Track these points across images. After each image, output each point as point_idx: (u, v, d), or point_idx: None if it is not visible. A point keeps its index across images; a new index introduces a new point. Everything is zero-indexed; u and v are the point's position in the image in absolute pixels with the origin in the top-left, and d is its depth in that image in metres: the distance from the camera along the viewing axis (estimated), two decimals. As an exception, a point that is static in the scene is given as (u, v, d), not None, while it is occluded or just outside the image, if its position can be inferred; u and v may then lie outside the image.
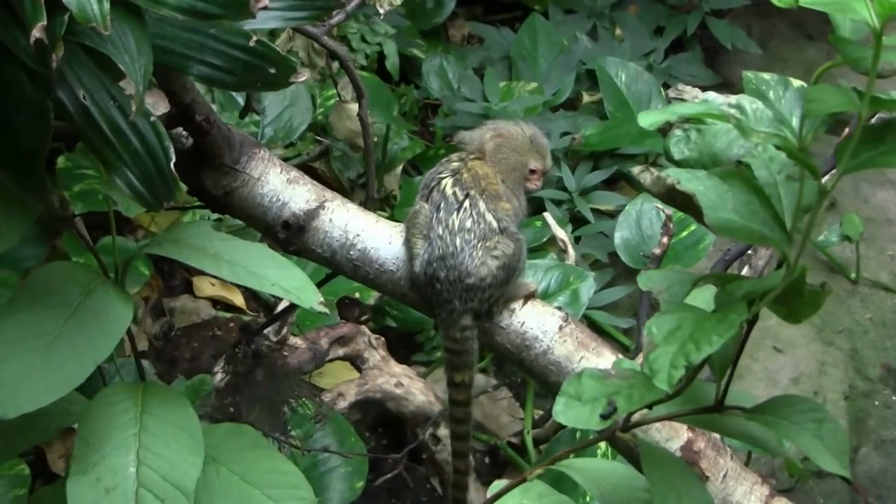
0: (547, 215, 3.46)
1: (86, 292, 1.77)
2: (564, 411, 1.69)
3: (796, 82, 1.72)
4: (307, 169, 3.85)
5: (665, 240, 3.33)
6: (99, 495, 1.71)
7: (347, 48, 4.09)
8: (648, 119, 1.49)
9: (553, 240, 3.52)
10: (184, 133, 2.12)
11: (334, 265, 2.21)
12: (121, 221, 3.42)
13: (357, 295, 3.36)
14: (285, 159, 3.73)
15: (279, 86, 1.71)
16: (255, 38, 1.69)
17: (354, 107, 2.45)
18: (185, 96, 1.99)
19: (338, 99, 3.05)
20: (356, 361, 3.07)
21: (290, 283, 1.80)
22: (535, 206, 3.97)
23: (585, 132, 4.14)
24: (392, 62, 4.21)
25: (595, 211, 4.03)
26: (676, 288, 1.73)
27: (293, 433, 2.57)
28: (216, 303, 3.52)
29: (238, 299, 3.52)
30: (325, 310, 1.80)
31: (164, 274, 3.54)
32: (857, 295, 4.52)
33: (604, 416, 1.68)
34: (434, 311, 2.15)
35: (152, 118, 1.67)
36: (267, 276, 1.80)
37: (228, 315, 3.42)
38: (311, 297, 1.80)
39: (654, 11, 5.06)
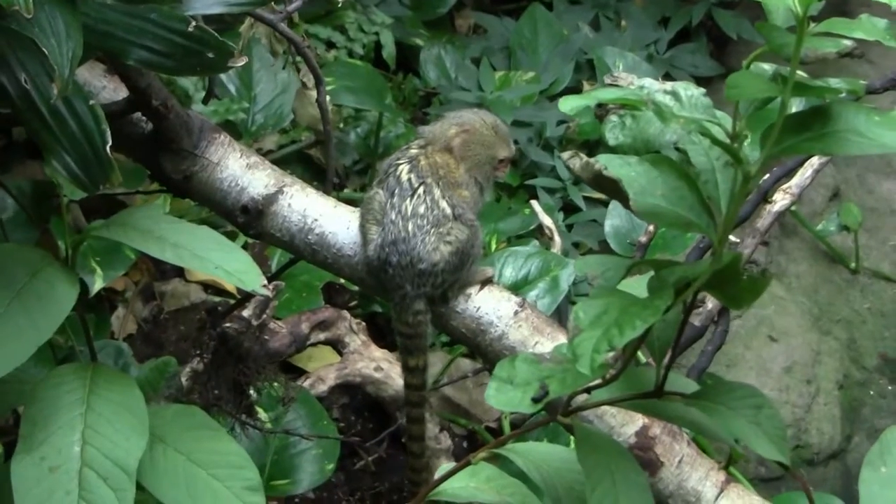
0: (534, 203, 3.44)
1: (31, 274, 1.78)
2: (496, 395, 1.68)
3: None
4: (302, 157, 3.86)
5: (651, 227, 3.29)
6: (42, 474, 1.72)
7: (344, 38, 4.08)
8: (569, 104, 1.47)
9: (541, 227, 3.49)
10: (143, 118, 2.12)
11: (293, 249, 2.21)
12: (116, 205, 3.42)
13: (343, 280, 3.35)
14: (281, 146, 3.75)
15: (218, 70, 1.71)
16: (193, 23, 1.68)
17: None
18: (141, 81, 2.00)
19: (300, 85, 3.05)
20: (337, 346, 3.06)
21: (233, 265, 1.80)
22: (528, 194, 3.96)
23: (580, 121, 4.11)
24: (388, 51, 4.20)
25: (587, 199, 4.00)
26: (611, 273, 1.71)
27: (264, 415, 2.57)
28: (207, 287, 3.52)
29: (229, 283, 3.52)
30: (269, 293, 1.80)
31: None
32: (857, 284, 4.46)
33: (535, 400, 1.66)
34: (388, 296, 2.14)
35: (91, 102, 1.67)
36: (211, 259, 1.80)
37: (218, 299, 3.42)
38: (254, 280, 1.80)
39: (659, 2, 5.00)
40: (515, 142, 3.99)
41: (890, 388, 4.19)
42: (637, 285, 1.71)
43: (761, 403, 1.75)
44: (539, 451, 1.91)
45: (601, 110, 1.66)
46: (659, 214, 1.56)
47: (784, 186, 3.25)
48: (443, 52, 4.32)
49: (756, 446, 1.71)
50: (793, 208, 4.22)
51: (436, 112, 4.12)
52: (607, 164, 1.56)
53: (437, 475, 1.95)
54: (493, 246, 3.54)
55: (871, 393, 4.17)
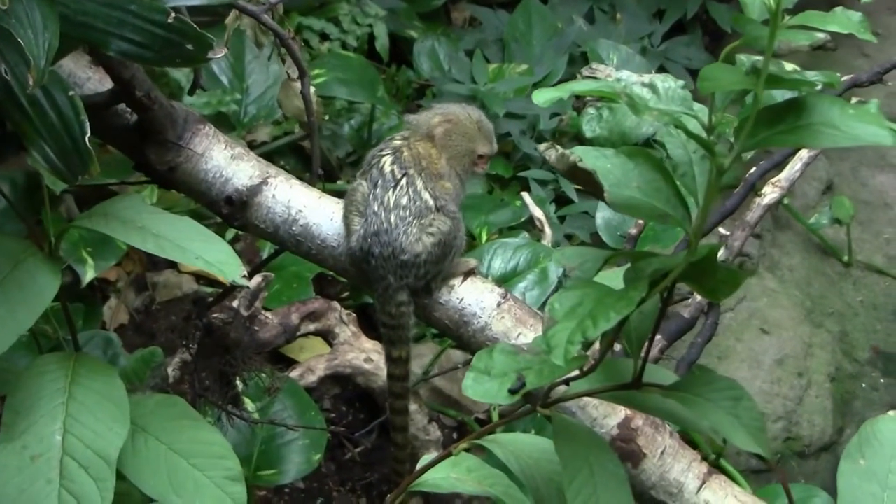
0: (525, 195, 3.44)
1: (13, 264, 1.78)
2: (473, 386, 1.69)
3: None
4: (296, 148, 3.86)
5: (641, 220, 3.29)
6: (24, 462, 1.73)
7: (338, 29, 4.08)
8: (543, 96, 1.47)
9: (532, 219, 3.49)
10: (128, 109, 2.12)
11: (277, 240, 2.22)
12: (110, 196, 3.41)
13: (333, 271, 3.36)
14: (275, 138, 3.75)
15: (197, 61, 1.71)
16: (172, 14, 1.68)
17: (304, 85, 2.44)
18: (124, 72, 2.00)
19: (286, 77, 3.05)
20: (327, 337, 3.06)
21: (214, 256, 1.80)
22: (520, 186, 3.95)
23: (573, 114, 4.10)
24: (382, 43, 4.20)
25: (580, 191, 3.99)
26: (589, 265, 1.71)
27: (251, 406, 2.57)
28: (199, 277, 3.53)
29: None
30: (248, 283, 1.80)
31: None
32: (850, 277, 4.46)
33: (512, 391, 1.67)
34: (371, 287, 2.14)
35: (70, 93, 1.67)
36: (192, 250, 1.80)
37: (210, 290, 3.43)
38: (234, 271, 1.80)
39: (655, -5, 5.01)
40: (508, 134, 4.04)
41: (882, 380, 4.19)
42: (615, 277, 1.71)
43: (740, 395, 1.75)
44: (520, 442, 1.92)
45: (579, 103, 1.67)
46: (634, 207, 1.56)
47: (773, 179, 3.25)
48: (436, 44, 4.32)
49: (734, 438, 1.70)
50: (785, 201, 4.23)
51: (428, 105, 4.11)
52: (583, 155, 1.56)
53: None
54: (484, 238, 3.55)
55: (863, 386, 4.17)
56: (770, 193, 3.23)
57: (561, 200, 3.98)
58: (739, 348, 4.00)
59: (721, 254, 3.29)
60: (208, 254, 1.80)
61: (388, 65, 4.31)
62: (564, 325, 1.53)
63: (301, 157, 3.84)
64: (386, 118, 3.93)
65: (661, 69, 4.59)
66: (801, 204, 4.51)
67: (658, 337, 3.15)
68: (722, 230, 3.28)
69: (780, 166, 3.25)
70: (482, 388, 1.66)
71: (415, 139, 2.20)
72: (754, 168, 3.22)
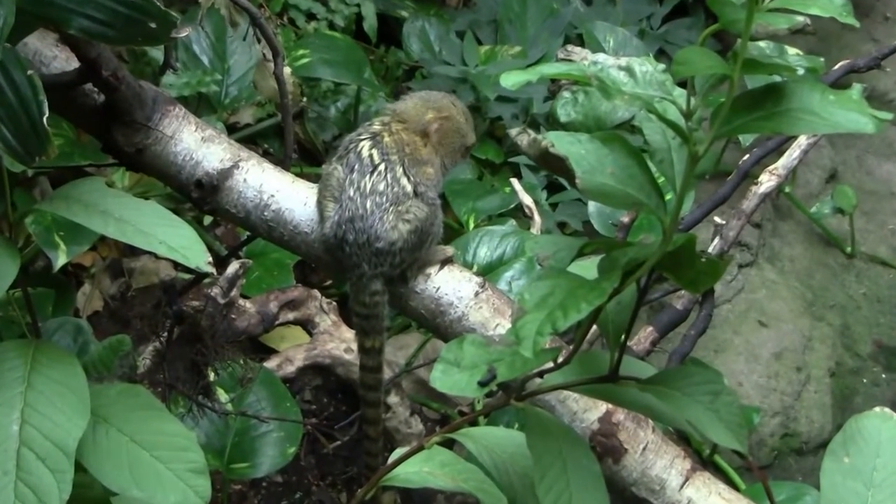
0: (514, 181, 3.42)
1: (-31, 248, 1.78)
2: (441, 377, 1.68)
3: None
4: (279, 130, 3.85)
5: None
6: (-21, 453, 1.72)
7: (325, 9, 4.07)
8: (511, 79, 1.46)
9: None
10: (95, 89, 2.11)
11: (249, 226, 2.21)
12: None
13: (316, 258, 3.35)
14: (259, 120, 3.74)
15: (159, 40, 1.70)
16: (135, -9, 1.67)
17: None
18: (90, 51, 1.99)
19: (261, 57, 3.05)
20: (307, 326, 3.07)
21: (177, 241, 1.80)
22: (511, 172, 3.95)
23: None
24: (370, 24, 4.19)
25: (572, 178, 3.98)
26: (563, 254, 1.70)
27: (224, 397, 2.58)
28: (179, 264, 3.51)
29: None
30: (212, 269, 1.79)
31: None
32: (853, 269, 4.46)
33: (482, 384, 1.66)
34: (345, 275, 2.14)
35: (29, 72, 1.66)
36: (155, 235, 1.80)
37: (188, 277, 3.42)
38: (198, 257, 1.80)
39: (655, -23, 4.99)
40: (499, 118, 4.04)
41: (884, 375, 4.19)
42: (591, 267, 1.70)
43: (719, 389, 1.74)
44: (493, 436, 1.91)
45: (554, 86, 1.66)
46: (606, 194, 1.55)
47: (770, 167, 3.25)
48: (427, 24, 4.30)
49: (711, 434, 1.70)
50: (787, 189, 4.23)
51: (418, 87, 4.10)
52: (555, 141, 1.55)
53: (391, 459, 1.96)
54: (471, 225, 3.54)
55: (864, 381, 4.17)
56: (767, 182, 3.22)
57: (553, 187, 3.97)
58: (736, 341, 4.00)
59: (716, 243, 3.28)
60: (172, 239, 1.79)
61: (376, 46, 4.30)
62: (534, 316, 1.52)
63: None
64: (373, 100, 3.92)
65: (661, 53, 4.58)
66: (804, 192, 4.50)
67: (650, 329, 3.15)
68: (717, 219, 3.28)
69: (776, 152, 3.24)
70: (451, 379, 1.66)
71: (396, 125, 2.19)
72: (748, 155, 3.22)
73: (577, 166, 1.55)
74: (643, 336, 3.09)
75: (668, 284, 3.37)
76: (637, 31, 4.54)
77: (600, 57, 1.64)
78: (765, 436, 3.80)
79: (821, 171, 4.63)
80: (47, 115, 1.66)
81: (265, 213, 2.19)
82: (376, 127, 2.19)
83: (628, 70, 1.60)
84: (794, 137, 3.17)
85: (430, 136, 2.21)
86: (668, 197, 1.61)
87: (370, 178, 2.10)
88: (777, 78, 1.55)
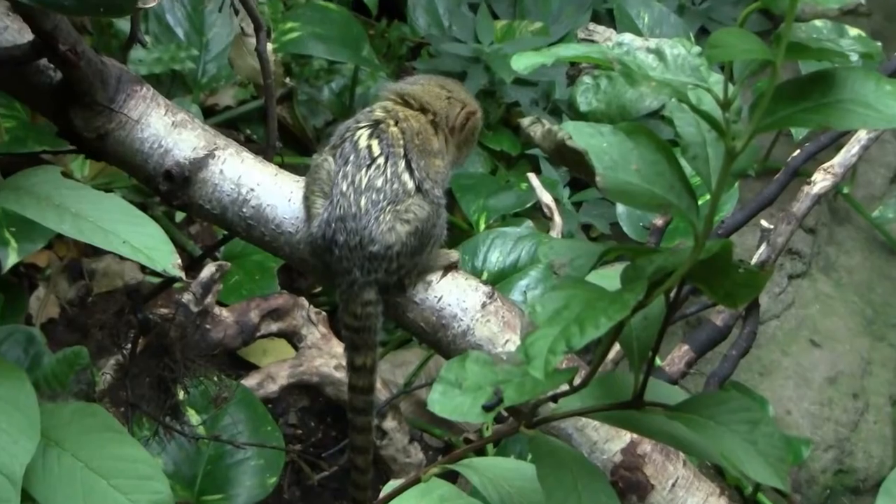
0: (532, 177, 3.43)
1: None
2: (441, 400, 1.68)
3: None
4: (265, 114, 3.86)
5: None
6: (-85, 480, 1.74)
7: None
8: (522, 61, 1.47)
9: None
10: (51, 65, 2.12)
11: (225, 224, 2.22)
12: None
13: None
14: (241, 102, 3.75)
15: (123, 12, 1.72)
16: (96, -45, 1.68)
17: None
18: (46, 22, 1.99)
19: (239, 32, 3.05)
20: (292, 339, 3.08)
21: (142, 240, 1.81)
22: (529, 166, 3.95)
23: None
24: (370, -5, 4.21)
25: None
26: (582, 260, 1.71)
27: (195, 418, 2.59)
28: (145, 266, 3.53)
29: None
30: (180, 273, 1.80)
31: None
32: (921, 283, 4.45)
33: (487, 408, 1.67)
34: (334, 282, 2.15)
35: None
36: (117, 233, 1.81)
37: (157, 280, 3.43)
38: (165, 259, 1.81)
39: (699, -55, 4.99)
40: (517, 104, 4.04)
41: (953, 405, 4.18)
42: (613, 277, 1.71)
43: (758, 419, 1.74)
44: (500, 468, 1.91)
45: (575, 70, 1.66)
46: (630, 193, 1.56)
47: (825, 165, 3.25)
48: (435, -5, 4.32)
49: (748, 468, 1.70)
50: (845, 190, 4.22)
51: (424, 67, 4.11)
52: (574, 132, 1.56)
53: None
54: (482, 225, 3.54)
55: (931, 411, 4.16)
56: (821, 181, 3.22)
57: (577, 184, 3.97)
58: (785, 363, 4.00)
59: (762, 250, 3.28)
60: (136, 238, 1.81)
61: (377, 19, 4.31)
62: (546, 332, 1.53)
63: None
64: (373, 81, 3.93)
65: (703, 31, 4.58)
66: (865, 194, 4.50)
67: (685, 348, 3.15)
68: (764, 223, 3.28)
69: (832, 147, 3.25)
70: (451, 403, 1.66)
71: (404, 111, 2.20)
72: (798, 151, 3.22)
73: (598, 162, 1.55)
74: (678, 356, 3.09)
75: (706, 297, 3.37)
76: (676, 7, 4.53)
77: (626, 37, 1.64)
78: (816, 472, 3.80)
79: (884, 169, 4.62)
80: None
81: (244, 210, 2.20)
82: (378, 114, 2.19)
83: (658, 53, 1.60)
84: (852, 132, 3.17)
85: (455, 132, 2.23)
86: (703, 199, 1.62)
87: (367, 171, 2.10)
88: (829, 64, 1.55)
